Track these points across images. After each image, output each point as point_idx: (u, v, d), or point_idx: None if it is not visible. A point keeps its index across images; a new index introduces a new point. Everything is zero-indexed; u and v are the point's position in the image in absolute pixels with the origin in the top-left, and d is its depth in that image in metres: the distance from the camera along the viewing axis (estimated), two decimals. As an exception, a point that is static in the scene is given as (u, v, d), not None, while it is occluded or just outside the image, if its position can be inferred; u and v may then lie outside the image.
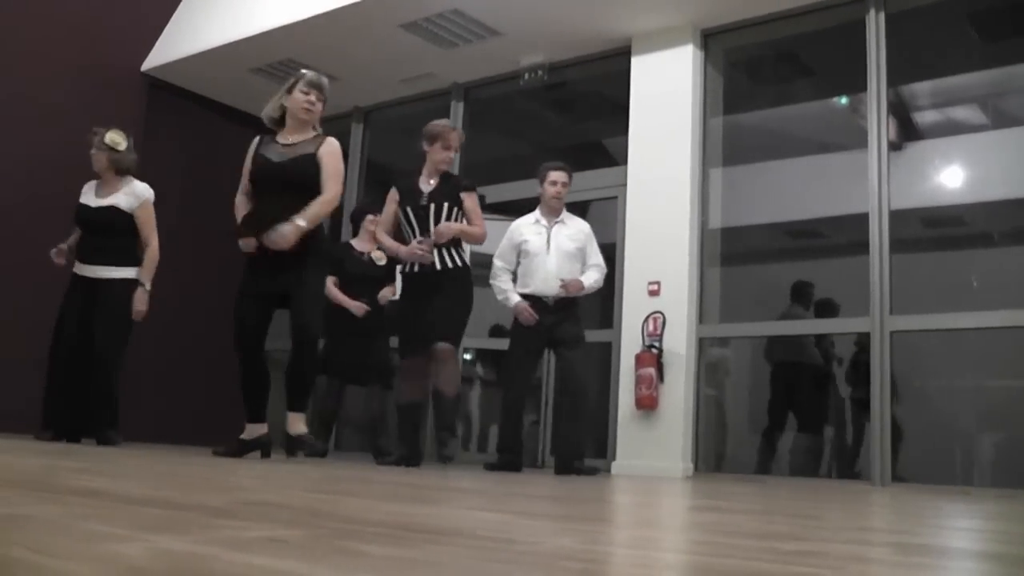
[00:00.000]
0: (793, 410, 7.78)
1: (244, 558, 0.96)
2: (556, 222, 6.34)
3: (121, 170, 6.23)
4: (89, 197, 6.25)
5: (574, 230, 6.35)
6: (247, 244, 5.22)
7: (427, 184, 5.95)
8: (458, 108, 9.08)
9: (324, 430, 7.00)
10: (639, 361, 7.03)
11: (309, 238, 5.15)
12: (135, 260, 6.18)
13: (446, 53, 8.41)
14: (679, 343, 7.06)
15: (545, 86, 8.73)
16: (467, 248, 6.16)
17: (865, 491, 5.46)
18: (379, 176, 10.75)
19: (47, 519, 1.25)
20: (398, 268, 6.34)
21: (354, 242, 7.21)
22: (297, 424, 5.14)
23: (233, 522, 1.36)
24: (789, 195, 8.64)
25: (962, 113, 8.90)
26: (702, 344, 7.23)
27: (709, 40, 7.64)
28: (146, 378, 8.37)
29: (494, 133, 9.99)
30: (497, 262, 6.37)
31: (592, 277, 6.27)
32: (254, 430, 5.26)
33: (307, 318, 5.15)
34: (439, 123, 6.12)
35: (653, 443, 6.98)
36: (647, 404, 6.98)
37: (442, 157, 5.94)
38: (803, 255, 9.73)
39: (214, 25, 8.81)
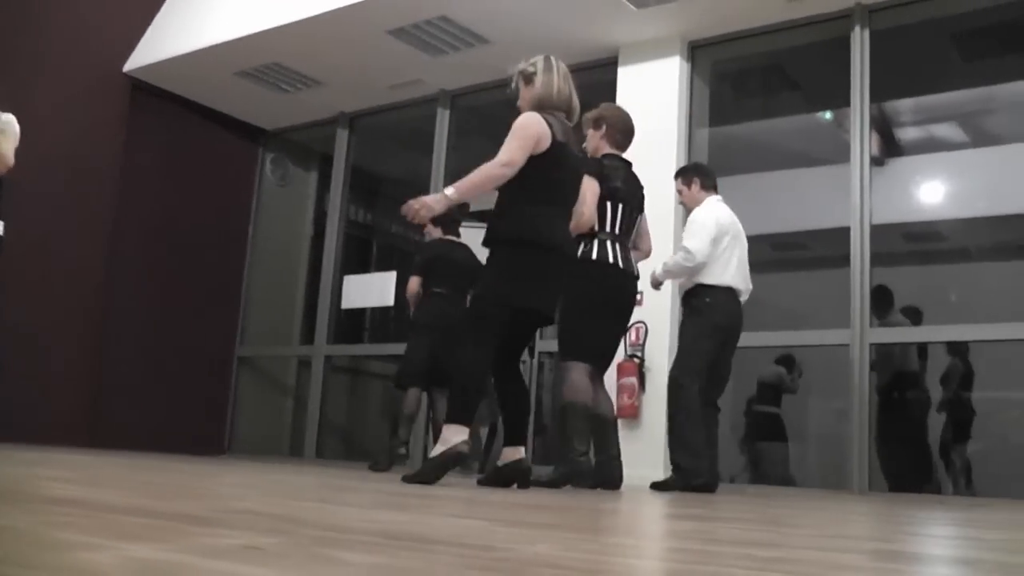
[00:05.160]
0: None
1: (217, 566, 0.95)
2: None
3: None
4: None
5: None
6: None
7: None
8: (444, 115, 9.08)
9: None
10: (621, 370, 7.03)
11: None
12: None
13: (434, 60, 8.40)
14: (661, 353, 7.06)
15: (531, 95, 8.70)
16: None
17: (846, 500, 5.47)
18: (364, 183, 10.73)
19: (18, 528, 1.24)
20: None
21: None
22: None
23: (211, 530, 1.36)
24: (773, 207, 8.68)
25: (943, 130, 8.98)
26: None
27: (696, 52, 7.65)
28: (131, 382, 8.35)
29: (481, 141, 9.99)
30: None
31: (663, 262, 5.81)
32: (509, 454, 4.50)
33: None
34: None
35: (634, 453, 6.95)
36: (629, 413, 6.98)
37: None
38: (786, 267, 9.78)
39: (199, 26, 8.75)
